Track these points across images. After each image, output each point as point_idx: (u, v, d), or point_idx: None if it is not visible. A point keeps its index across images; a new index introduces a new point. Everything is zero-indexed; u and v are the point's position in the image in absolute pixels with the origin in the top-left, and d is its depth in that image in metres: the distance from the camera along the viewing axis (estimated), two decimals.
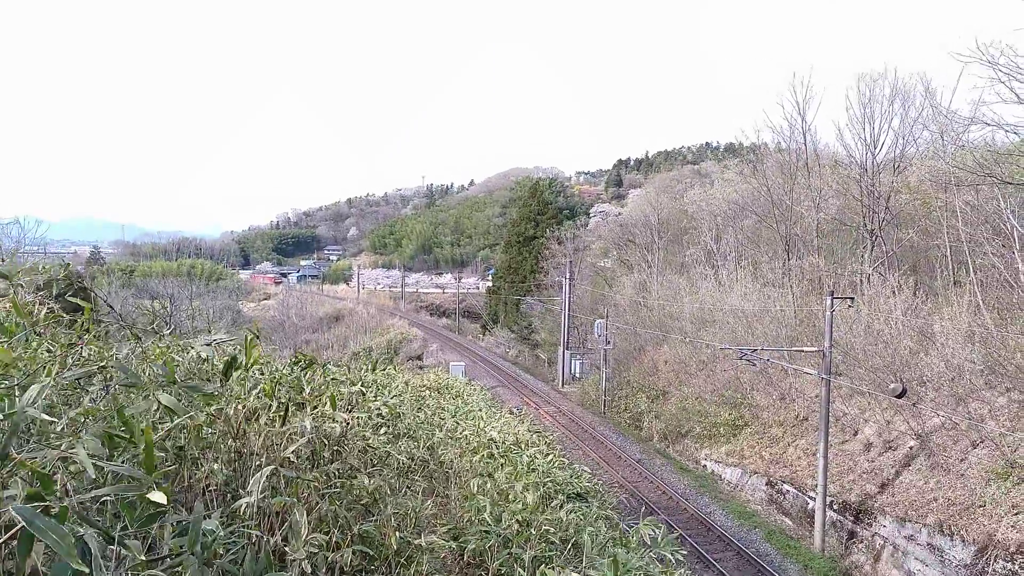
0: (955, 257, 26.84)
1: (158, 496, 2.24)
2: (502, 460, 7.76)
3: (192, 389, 3.58)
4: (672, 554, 5.26)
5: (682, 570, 6.11)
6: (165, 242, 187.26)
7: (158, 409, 3.64)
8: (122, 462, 2.60)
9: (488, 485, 6.14)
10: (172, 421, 3.22)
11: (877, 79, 32.44)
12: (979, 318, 22.00)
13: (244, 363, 4.18)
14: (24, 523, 1.68)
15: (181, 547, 2.48)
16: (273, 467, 3.09)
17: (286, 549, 3.23)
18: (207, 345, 4.35)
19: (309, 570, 3.08)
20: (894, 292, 25.02)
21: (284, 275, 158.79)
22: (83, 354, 4.01)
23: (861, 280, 29.87)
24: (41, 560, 1.79)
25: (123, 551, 2.13)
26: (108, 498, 2.49)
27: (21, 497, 1.92)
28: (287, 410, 4.10)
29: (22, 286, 4.35)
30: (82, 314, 4.31)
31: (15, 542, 1.78)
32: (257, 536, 3.22)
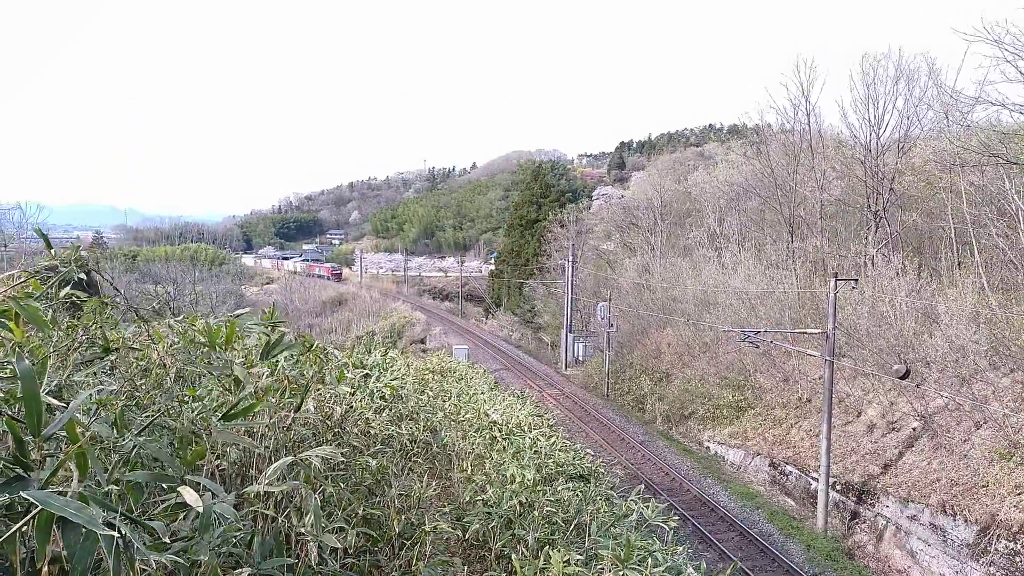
0: (959, 238, 26.73)
1: (191, 496, 2.22)
2: (504, 442, 7.78)
3: (222, 368, 3.57)
4: (664, 523, 5.29)
5: (683, 547, 6.14)
6: (167, 227, 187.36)
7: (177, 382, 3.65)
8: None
9: (488, 465, 6.16)
10: (235, 395, 3.23)
11: (881, 59, 32.16)
12: (984, 299, 21.96)
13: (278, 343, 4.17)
14: (43, 505, 1.67)
15: (186, 530, 2.49)
16: (292, 458, 3.10)
17: (291, 531, 3.24)
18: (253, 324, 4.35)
19: (316, 552, 3.09)
20: (898, 273, 24.97)
21: (332, 271, 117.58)
22: (91, 336, 4.02)
23: (865, 262, 29.79)
24: (61, 545, 1.78)
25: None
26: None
27: (39, 481, 1.91)
28: (305, 391, 4.10)
29: (57, 265, 4.36)
30: (88, 298, 4.31)
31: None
32: (265, 518, 3.24)
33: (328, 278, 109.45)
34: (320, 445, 3.95)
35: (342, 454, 4.32)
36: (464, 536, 4.89)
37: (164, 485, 2.99)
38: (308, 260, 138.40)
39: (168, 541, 2.23)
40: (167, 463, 2.64)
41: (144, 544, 2.00)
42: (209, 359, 3.70)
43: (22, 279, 3.34)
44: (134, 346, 4.07)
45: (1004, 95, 21.92)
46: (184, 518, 2.56)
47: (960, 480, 18.35)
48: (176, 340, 3.99)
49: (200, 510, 2.23)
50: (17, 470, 1.95)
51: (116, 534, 1.73)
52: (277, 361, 4.87)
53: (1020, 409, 18.43)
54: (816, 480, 21.94)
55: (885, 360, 22.71)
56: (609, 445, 29.59)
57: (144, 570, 2.16)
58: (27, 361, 2.05)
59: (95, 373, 3.76)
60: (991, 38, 20.39)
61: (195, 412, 3.43)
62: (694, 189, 55.90)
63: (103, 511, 1.79)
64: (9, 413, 2.25)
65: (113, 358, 3.95)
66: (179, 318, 5.43)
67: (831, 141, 37.61)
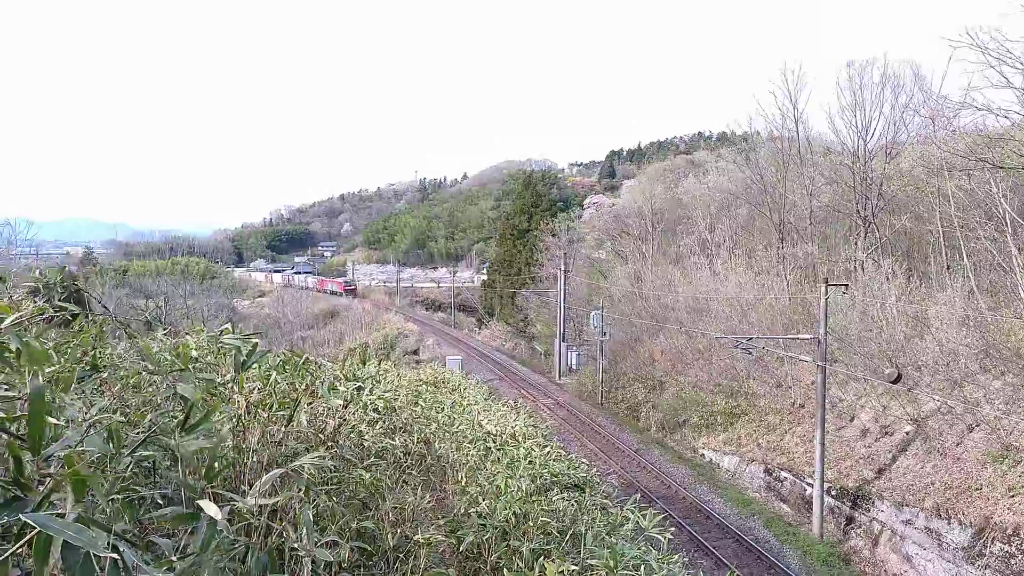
0: (948, 242, 26.91)
1: (212, 509, 2.21)
2: (499, 453, 7.78)
3: (205, 381, 3.57)
4: (660, 535, 5.29)
5: (678, 555, 6.14)
6: (158, 241, 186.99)
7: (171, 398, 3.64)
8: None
9: (482, 477, 6.16)
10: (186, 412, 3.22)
11: (867, 66, 32.51)
12: (973, 302, 22.09)
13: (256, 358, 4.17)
14: (40, 527, 1.66)
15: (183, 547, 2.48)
16: (283, 471, 3.10)
17: (283, 546, 3.24)
18: (223, 333, 4.34)
19: (310, 566, 3.09)
20: (888, 278, 25.11)
21: (345, 286, 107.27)
22: (77, 354, 4.01)
23: (855, 267, 29.95)
24: (60, 567, 1.77)
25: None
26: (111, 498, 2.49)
27: (35, 503, 1.91)
28: (296, 405, 4.10)
29: (16, 288, 4.35)
30: (76, 316, 4.31)
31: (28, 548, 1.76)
32: (258, 534, 3.23)
33: (341, 294, 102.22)
34: None
35: (335, 467, 4.32)
36: (459, 548, 4.89)
37: (160, 500, 2.99)
38: (298, 272, 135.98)
39: (174, 559, 2.23)
40: (180, 475, 2.64)
41: (145, 563, 1.99)
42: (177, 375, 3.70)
43: (24, 312, 3.34)
44: (123, 363, 4.07)
45: (989, 100, 22.16)
46: (183, 534, 2.56)
47: (954, 483, 18.41)
48: (164, 357, 3.99)
49: (218, 519, 2.23)
50: (14, 491, 1.94)
51: (116, 555, 1.73)
52: (269, 374, 4.87)
53: (1012, 411, 18.53)
54: (811, 486, 21.97)
55: (877, 365, 22.81)
56: (604, 454, 29.56)
57: None
58: (40, 380, 2.05)
59: (83, 391, 3.75)
60: (976, 44, 20.61)
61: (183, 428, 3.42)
62: (685, 197, 56.15)
63: (103, 532, 1.79)
64: (8, 432, 2.25)
65: (104, 375, 3.95)
66: (163, 333, 5.43)
67: (819, 147, 37.91)
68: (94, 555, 1.71)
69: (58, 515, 1.78)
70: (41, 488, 2.00)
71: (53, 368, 3.63)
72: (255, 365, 4.41)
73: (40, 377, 2.09)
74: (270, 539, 3.23)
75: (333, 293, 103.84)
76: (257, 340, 4.09)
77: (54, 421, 2.52)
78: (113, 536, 1.81)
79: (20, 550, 1.81)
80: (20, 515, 1.73)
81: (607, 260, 60.00)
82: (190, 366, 3.78)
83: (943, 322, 21.62)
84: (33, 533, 1.69)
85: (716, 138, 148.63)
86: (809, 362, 23.11)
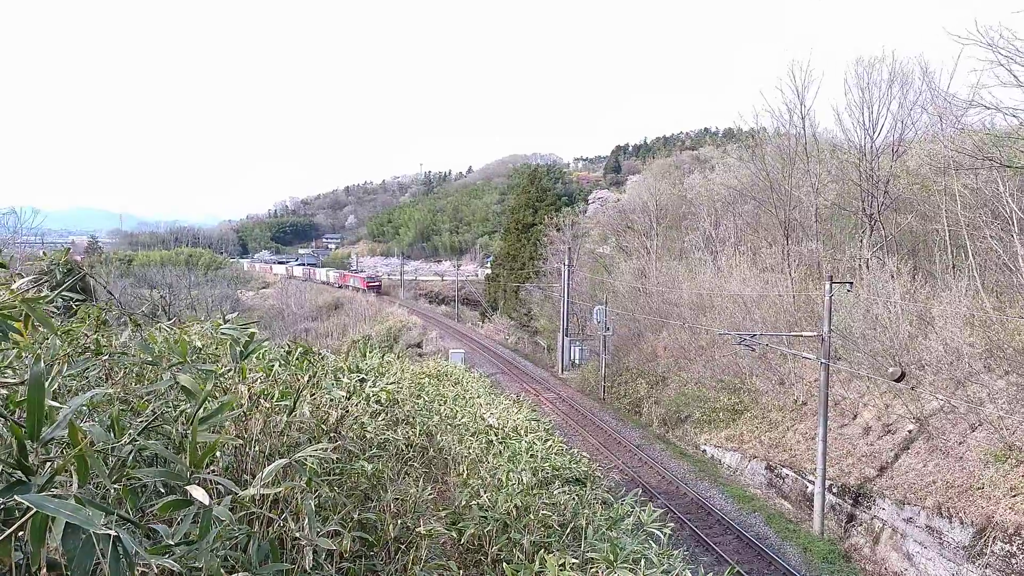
0: (954, 241, 26.83)
1: (199, 493, 2.22)
2: (500, 446, 7.79)
3: (206, 371, 3.58)
4: (659, 531, 5.29)
5: (679, 550, 6.15)
6: (163, 231, 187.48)
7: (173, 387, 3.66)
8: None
9: (484, 469, 6.17)
10: (187, 403, 3.23)
11: (875, 63, 32.33)
12: (978, 302, 22.02)
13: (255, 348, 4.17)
14: (37, 508, 1.66)
15: (185, 535, 2.49)
16: (286, 461, 3.10)
17: (285, 535, 3.24)
18: (225, 323, 4.34)
19: (311, 556, 3.10)
20: (892, 276, 25.03)
21: (369, 282, 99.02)
22: (82, 342, 4.02)
23: (860, 265, 29.88)
24: (60, 551, 1.77)
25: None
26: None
27: (39, 484, 1.91)
28: (298, 396, 4.10)
29: (20, 274, 4.36)
30: (81, 302, 4.32)
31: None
32: (260, 523, 3.24)
33: (364, 291, 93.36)
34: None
35: (338, 458, 4.33)
36: (460, 540, 4.90)
37: (162, 488, 3.00)
38: (305, 264, 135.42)
39: (172, 543, 2.23)
40: (173, 462, 2.65)
41: (144, 548, 1.99)
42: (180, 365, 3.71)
43: (33, 284, 3.36)
44: (126, 351, 4.08)
45: (998, 99, 21.93)
46: (182, 521, 2.57)
47: (956, 482, 18.39)
48: (166, 347, 4.00)
49: (209, 505, 2.24)
50: (18, 474, 1.95)
51: (113, 532, 1.73)
52: (272, 365, 4.88)
53: (1015, 411, 18.49)
54: (812, 483, 21.96)
55: (880, 363, 22.77)
56: (606, 449, 29.58)
57: (144, 574, 2.16)
58: (41, 364, 2.05)
59: (87, 377, 3.77)
60: (985, 41, 20.46)
61: (188, 417, 3.43)
62: (690, 192, 56.04)
63: (100, 512, 1.79)
64: (9, 418, 2.26)
65: (105, 359, 3.96)
66: (168, 323, 5.44)
67: (826, 144, 37.72)
68: (94, 538, 1.71)
69: (59, 497, 1.78)
70: (43, 471, 2.00)
71: (56, 350, 3.65)
72: (257, 355, 4.42)
73: (41, 362, 2.08)
74: (272, 528, 3.24)
75: (356, 289, 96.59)
76: (255, 330, 4.10)
77: (55, 404, 2.53)
78: (115, 519, 1.81)
79: (23, 533, 1.81)
80: (16, 496, 1.73)
81: (611, 255, 59.91)
82: (190, 357, 3.78)
83: (947, 321, 21.56)
84: (31, 514, 1.69)
85: (722, 134, 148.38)
86: (812, 359, 23.07)
